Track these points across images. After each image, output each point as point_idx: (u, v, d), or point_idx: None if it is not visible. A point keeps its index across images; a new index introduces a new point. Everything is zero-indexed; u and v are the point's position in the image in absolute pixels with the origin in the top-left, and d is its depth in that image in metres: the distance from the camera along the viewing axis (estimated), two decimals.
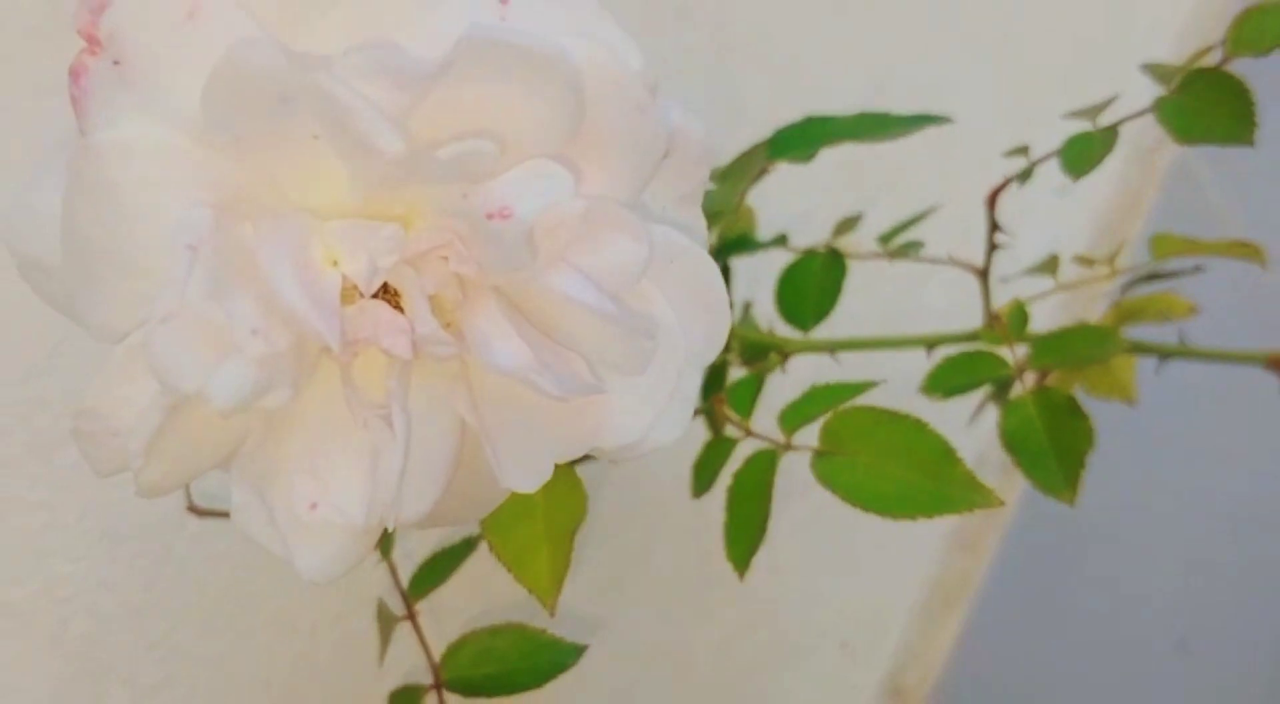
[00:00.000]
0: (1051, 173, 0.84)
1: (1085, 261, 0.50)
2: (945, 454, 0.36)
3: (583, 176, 0.25)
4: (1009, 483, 0.77)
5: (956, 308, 0.75)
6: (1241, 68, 0.39)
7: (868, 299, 0.57)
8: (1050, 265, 0.49)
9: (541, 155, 0.24)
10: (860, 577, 0.78)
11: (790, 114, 0.43)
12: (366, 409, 0.25)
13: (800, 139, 0.41)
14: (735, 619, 0.71)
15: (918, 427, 0.37)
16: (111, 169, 0.24)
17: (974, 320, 0.48)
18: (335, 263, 0.24)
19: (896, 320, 0.72)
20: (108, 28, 0.23)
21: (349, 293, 0.25)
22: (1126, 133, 0.41)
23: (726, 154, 0.46)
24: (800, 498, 0.44)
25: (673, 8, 0.72)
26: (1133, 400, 0.60)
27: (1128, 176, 1.07)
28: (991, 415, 0.53)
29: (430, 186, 0.24)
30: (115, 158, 0.24)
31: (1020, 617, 0.83)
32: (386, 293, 0.25)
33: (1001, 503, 0.35)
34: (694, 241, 0.28)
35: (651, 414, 0.28)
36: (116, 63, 0.23)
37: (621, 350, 0.26)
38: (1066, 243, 1.01)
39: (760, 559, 0.40)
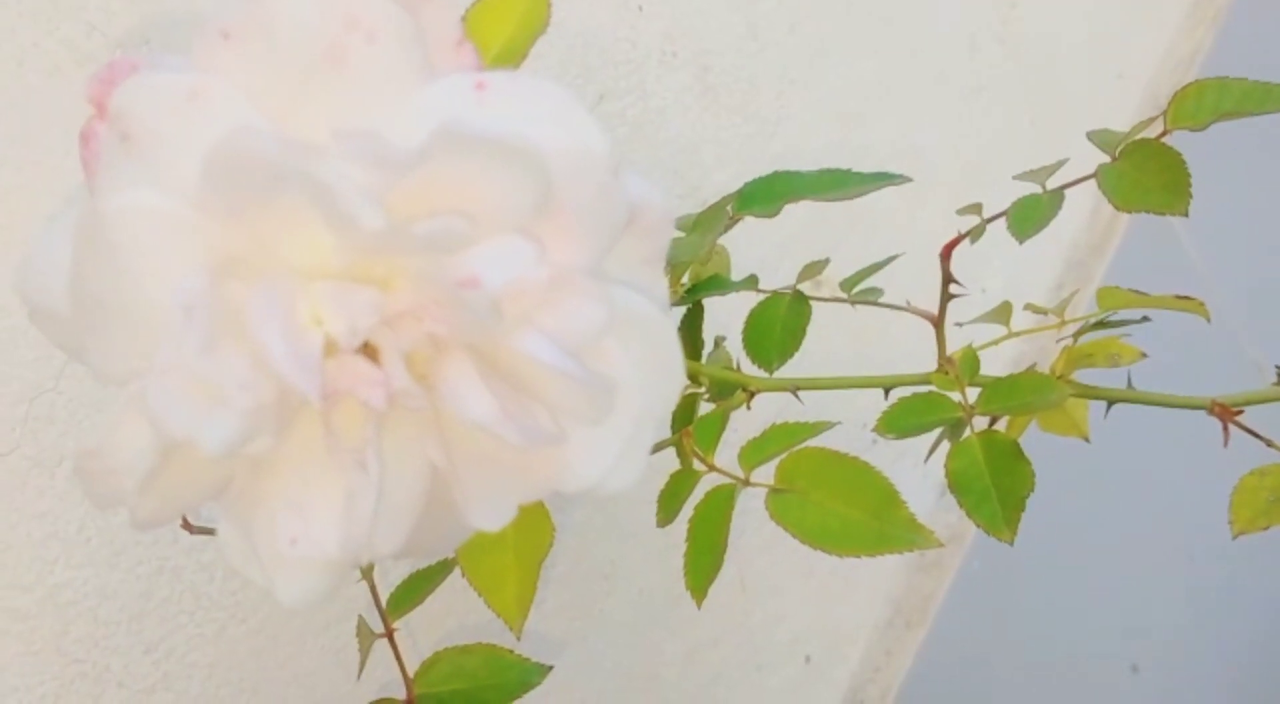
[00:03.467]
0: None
1: (1036, 310, 0.52)
2: (889, 496, 0.38)
3: (549, 247, 0.27)
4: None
5: (923, 349, 0.77)
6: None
7: (836, 338, 0.58)
8: (1003, 313, 0.51)
9: (509, 230, 0.26)
10: (825, 595, 0.79)
11: (765, 155, 0.44)
12: (344, 453, 0.27)
13: (766, 194, 0.43)
14: (700, 634, 0.73)
15: (864, 469, 0.38)
16: (116, 232, 0.25)
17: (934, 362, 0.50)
18: (319, 322, 0.26)
19: (863, 360, 0.74)
20: (117, 104, 0.25)
21: (330, 346, 0.26)
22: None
23: (706, 194, 0.47)
24: (768, 518, 0.45)
25: (658, 51, 0.73)
26: (1086, 438, 0.62)
27: (1098, 213, 1.09)
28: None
29: (407, 256, 0.25)
30: (120, 222, 0.25)
31: (979, 637, 0.85)
32: (365, 348, 0.27)
33: (941, 544, 0.37)
34: (653, 304, 0.30)
35: (608, 461, 0.30)
36: (124, 137, 0.25)
37: (581, 403, 0.28)
38: (1037, 278, 1.03)
39: (728, 575, 0.41)
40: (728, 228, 0.43)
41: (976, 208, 0.45)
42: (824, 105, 0.85)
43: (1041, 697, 0.85)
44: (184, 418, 0.24)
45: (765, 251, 0.64)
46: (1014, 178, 0.44)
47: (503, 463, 0.29)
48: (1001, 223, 0.48)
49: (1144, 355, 0.56)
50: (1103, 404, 0.55)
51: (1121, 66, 1.20)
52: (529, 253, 0.26)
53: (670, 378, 0.30)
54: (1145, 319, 0.53)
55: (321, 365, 0.26)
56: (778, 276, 0.54)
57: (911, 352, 0.79)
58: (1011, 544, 0.42)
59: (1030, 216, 0.41)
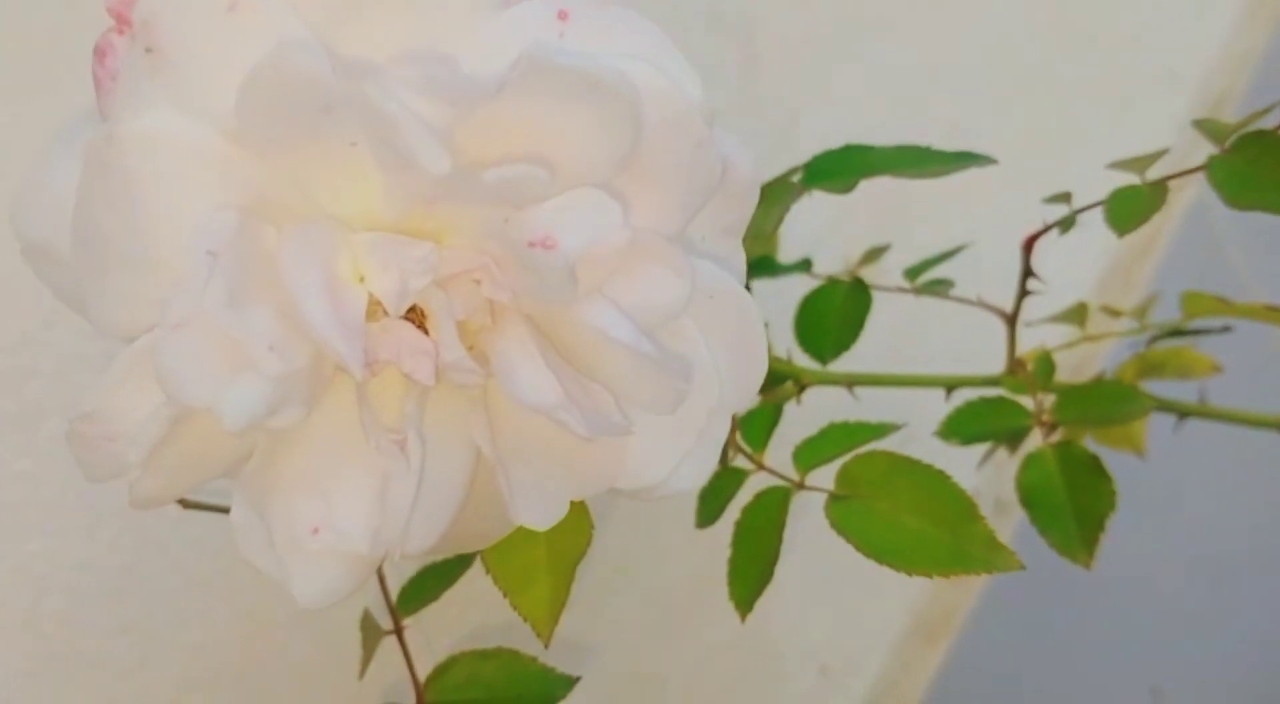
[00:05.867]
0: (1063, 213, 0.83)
1: (1111, 312, 0.49)
2: (966, 508, 0.35)
3: (630, 206, 0.24)
4: (1003, 521, 0.76)
5: (959, 348, 0.74)
6: None
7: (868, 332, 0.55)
8: (1078, 314, 0.48)
9: (591, 183, 0.23)
10: (844, 603, 0.77)
11: (820, 134, 0.41)
12: (381, 433, 0.24)
13: (838, 167, 0.40)
14: (714, 639, 0.70)
15: (939, 478, 0.35)
16: (134, 160, 0.22)
17: (971, 361, 0.47)
18: (362, 278, 0.23)
19: (896, 354, 0.71)
20: (143, 12, 0.22)
21: (373, 308, 0.23)
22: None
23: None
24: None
25: (704, 15, 0.70)
26: (1142, 453, 0.59)
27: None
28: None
29: (471, 208, 0.22)
30: (139, 149, 0.22)
31: (1000, 655, 0.83)
32: (411, 312, 0.24)
33: (1022, 566, 0.34)
34: (735, 279, 0.27)
35: (676, 457, 0.27)
36: (149, 50, 0.22)
37: (653, 390, 0.25)
38: (1075, 286, 1.00)
39: None
40: (793, 203, 0.40)
41: (1065, 196, 0.42)
42: (870, 85, 0.82)
43: None
44: (202, 381, 0.21)
45: (804, 241, 0.61)
46: (1109, 166, 0.41)
47: (556, 453, 0.26)
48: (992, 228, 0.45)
49: (1219, 368, 0.53)
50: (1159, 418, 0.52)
51: (1173, 65, 1.17)
52: (613, 212, 0.23)
53: (752, 365, 0.27)
54: (1226, 329, 0.50)
55: (364, 329, 0.22)
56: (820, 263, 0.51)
57: (946, 349, 0.76)
58: (1089, 568, 0.40)
59: (1131, 209, 0.38)
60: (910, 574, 0.34)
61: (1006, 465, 0.62)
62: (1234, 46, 1.23)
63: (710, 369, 0.26)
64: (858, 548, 0.35)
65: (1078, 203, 0.42)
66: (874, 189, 0.41)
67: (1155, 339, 0.51)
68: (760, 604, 0.38)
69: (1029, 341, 0.63)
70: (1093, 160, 0.46)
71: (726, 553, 0.42)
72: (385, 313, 0.23)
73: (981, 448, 0.51)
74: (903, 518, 0.35)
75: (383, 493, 0.24)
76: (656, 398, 0.25)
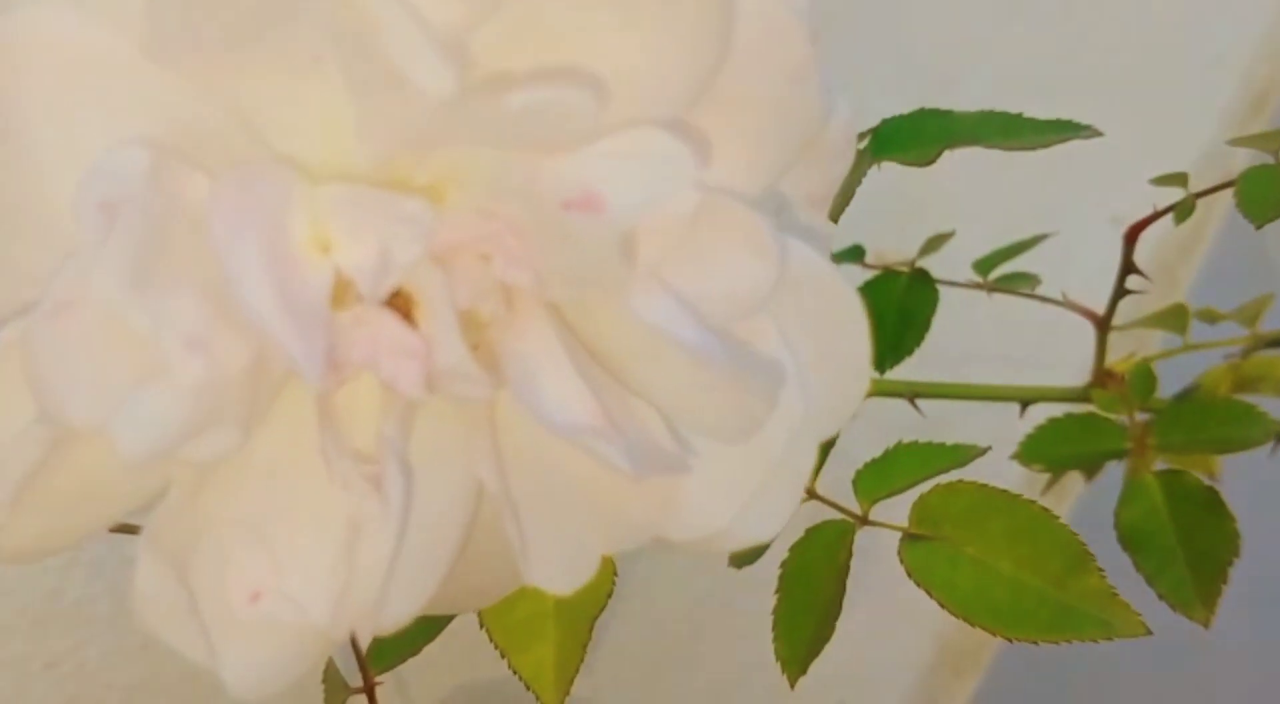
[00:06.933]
0: (1108, 202, 0.76)
1: (1210, 317, 0.43)
2: (1077, 556, 0.29)
3: (703, 155, 0.17)
4: None
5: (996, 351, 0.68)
6: None
7: None
8: (1177, 318, 0.42)
9: (652, 119, 0.16)
10: (866, 631, 0.70)
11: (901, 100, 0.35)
12: (348, 462, 0.17)
13: (913, 136, 0.34)
14: (724, 670, 0.65)
15: (1042, 517, 0.29)
16: (9, 70, 0.16)
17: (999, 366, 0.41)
18: (326, 247, 0.16)
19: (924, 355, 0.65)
20: None
21: (342, 289, 0.17)
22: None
23: None
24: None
25: None
26: (1215, 476, 0.53)
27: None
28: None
29: (483, 150, 0.16)
30: (16, 54, 0.16)
31: (1036, 693, 0.77)
32: (395, 297, 0.17)
33: (1148, 631, 0.28)
34: (831, 264, 0.20)
35: (743, 497, 0.20)
36: None
37: (722, 411, 0.19)
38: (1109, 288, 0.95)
39: (756, 601, 0.33)
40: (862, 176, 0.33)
41: (1180, 178, 0.36)
42: (911, 66, 0.77)
43: None
44: (89, 391, 0.15)
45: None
46: (1229, 143, 0.35)
47: (586, 493, 0.19)
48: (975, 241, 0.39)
49: None
50: None
51: (1219, 50, 1.13)
52: (683, 161, 0.16)
53: (850, 377, 0.21)
54: None
55: (328, 318, 0.16)
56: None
57: (976, 353, 0.70)
58: (1207, 626, 0.33)
59: (1268, 192, 0.32)
60: (1010, 639, 0.28)
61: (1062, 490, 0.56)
62: (1277, 34, 1.19)
63: (793, 382, 0.20)
64: (942, 601, 0.29)
65: (1118, 203, 0.36)
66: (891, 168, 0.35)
67: (1251, 350, 0.45)
68: (760, 634, 0.32)
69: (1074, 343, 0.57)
70: (1135, 147, 0.41)
71: (733, 576, 0.36)
72: (358, 297, 0.17)
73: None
74: (998, 566, 0.29)
75: (350, 545, 0.18)
76: (725, 421, 0.19)
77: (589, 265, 0.16)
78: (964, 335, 0.61)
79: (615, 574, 0.28)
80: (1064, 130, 0.34)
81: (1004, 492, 0.30)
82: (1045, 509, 0.29)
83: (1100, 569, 0.28)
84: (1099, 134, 0.34)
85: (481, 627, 0.28)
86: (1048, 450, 0.37)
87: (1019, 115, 0.34)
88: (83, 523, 0.18)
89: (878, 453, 0.34)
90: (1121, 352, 0.45)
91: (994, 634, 0.28)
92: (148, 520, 0.18)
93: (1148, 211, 0.39)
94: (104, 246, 0.15)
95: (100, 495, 0.17)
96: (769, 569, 0.34)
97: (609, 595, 0.27)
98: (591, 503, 0.20)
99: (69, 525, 0.18)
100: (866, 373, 0.20)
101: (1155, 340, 0.62)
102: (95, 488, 0.17)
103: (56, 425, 0.16)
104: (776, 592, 0.32)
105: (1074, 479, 0.53)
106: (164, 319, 0.15)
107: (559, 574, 0.20)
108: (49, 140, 0.16)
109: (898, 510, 0.32)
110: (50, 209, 0.16)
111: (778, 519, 0.21)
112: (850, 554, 0.31)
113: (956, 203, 0.71)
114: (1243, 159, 0.37)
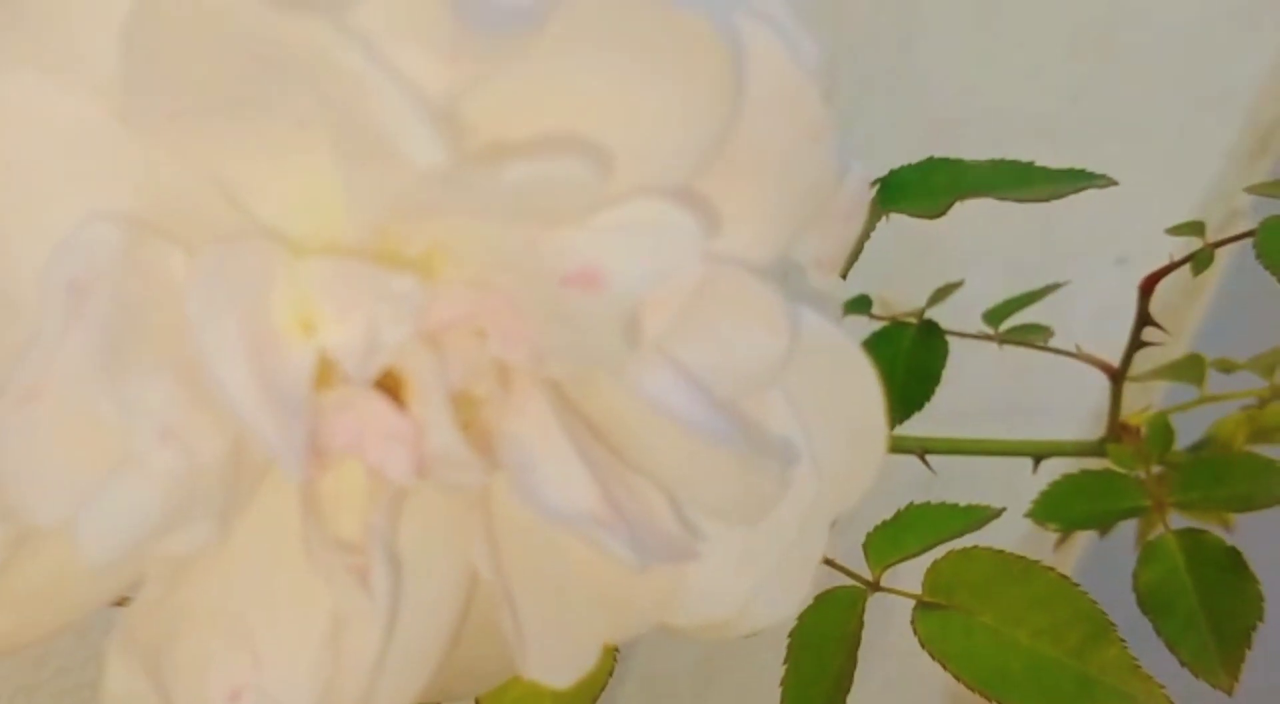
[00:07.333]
0: (1114, 242, 0.75)
1: (1228, 367, 0.42)
2: (1097, 626, 0.28)
3: (710, 223, 0.16)
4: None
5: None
6: None
7: None
8: (1193, 369, 0.41)
9: (658, 187, 0.15)
10: (872, 683, 0.69)
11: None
12: (332, 554, 0.16)
13: (923, 186, 0.33)
14: None
15: (1061, 585, 0.28)
16: None
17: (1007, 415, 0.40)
18: (310, 325, 0.16)
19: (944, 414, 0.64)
20: None
21: (327, 371, 0.16)
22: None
23: None
24: None
25: None
26: (1230, 527, 0.52)
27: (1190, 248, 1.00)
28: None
29: (478, 222, 0.15)
30: None
31: None
32: (383, 378, 0.16)
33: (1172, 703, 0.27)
34: (844, 333, 0.19)
35: (754, 581, 0.19)
36: None
37: (730, 491, 0.18)
38: (1116, 334, 0.93)
39: (765, 661, 0.31)
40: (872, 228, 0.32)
41: (1197, 227, 0.35)
42: (914, 109, 0.76)
43: None
44: (52, 486, 0.14)
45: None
46: (1246, 190, 0.34)
47: (586, 581, 0.18)
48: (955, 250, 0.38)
49: None
50: None
51: (1224, 90, 1.12)
52: (689, 234, 0.15)
53: (865, 452, 0.20)
54: None
55: (311, 403, 0.15)
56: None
57: (968, 408, 0.69)
58: (1230, 694, 0.32)
59: None
60: None
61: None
62: None
63: (806, 460, 0.19)
64: (957, 672, 0.28)
65: (1124, 243, 0.35)
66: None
67: (1268, 400, 0.44)
68: (771, 691, 0.31)
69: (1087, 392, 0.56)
70: (1140, 188, 0.40)
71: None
72: (344, 378, 0.16)
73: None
74: (1015, 636, 0.28)
75: (334, 640, 0.17)
76: (735, 503, 0.18)
77: (589, 343, 0.15)
78: (970, 384, 0.60)
79: (617, 653, 0.26)
80: (1077, 180, 0.33)
81: (1020, 558, 0.29)
82: (1063, 577, 0.28)
83: (1121, 640, 0.27)
84: (1113, 183, 0.33)
85: None
86: (1063, 509, 0.36)
87: (1030, 164, 0.33)
88: (56, 618, 0.17)
89: (883, 507, 0.33)
90: (1131, 400, 0.44)
91: None
92: (120, 618, 0.17)
93: (1154, 252, 0.38)
94: (71, 330, 0.14)
95: (73, 591, 0.16)
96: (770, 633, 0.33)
97: (610, 674, 0.26)
98: (592, 590, 0.19)
99: (41, 620, 0.17)
100: (882, 445, 0.19)
101: (1163, 386, 0.61)
102: (67, 583, 0.16)
103: (18, 521, 0.15)
104: (785, 661, 0.31)
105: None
106: (135, 407, 0.14)
107: (558, 666, 0.19)
108: (16, 213, 0.15)
109: (911, 576, 0.31)
110: (19, 286, 0.15)
111: (790, 603, 0.20)
112: (862, 623, 0.30)
113: (960, 243, 0.70)
114: (1247, 199, 0.37)
